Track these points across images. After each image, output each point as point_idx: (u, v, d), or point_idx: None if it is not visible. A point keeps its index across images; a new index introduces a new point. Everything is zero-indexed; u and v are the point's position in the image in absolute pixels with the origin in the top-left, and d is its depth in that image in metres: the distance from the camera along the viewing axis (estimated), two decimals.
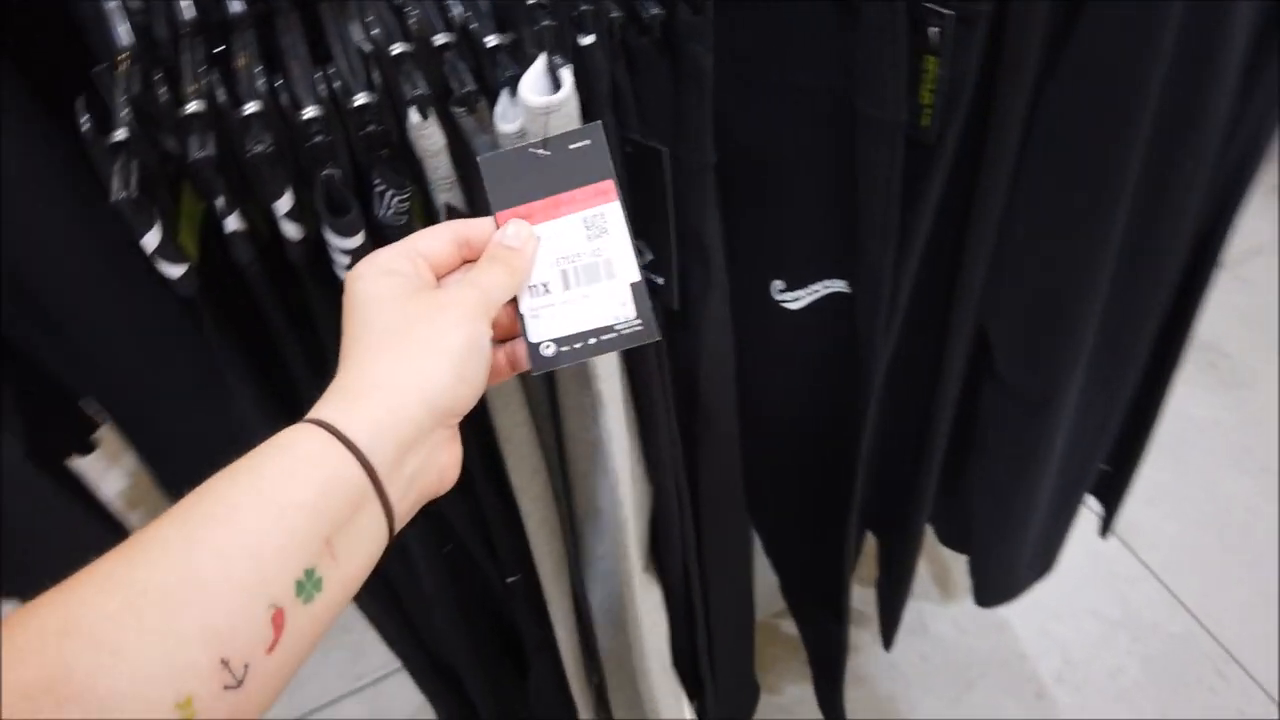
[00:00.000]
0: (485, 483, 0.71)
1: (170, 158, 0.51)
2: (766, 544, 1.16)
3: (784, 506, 1.05)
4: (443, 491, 0.47)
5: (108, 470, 1.65)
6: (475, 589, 0.86)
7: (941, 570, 1.65)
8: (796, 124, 0.70)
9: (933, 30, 0.65)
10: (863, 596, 1.55)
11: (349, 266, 0.52)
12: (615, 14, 0.55)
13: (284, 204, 0.51)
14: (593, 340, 0.51)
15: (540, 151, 0.50)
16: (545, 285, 0.51)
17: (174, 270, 0.52)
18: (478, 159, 0.49)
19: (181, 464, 1.08)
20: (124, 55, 0.53)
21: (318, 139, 0.50)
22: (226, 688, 0.34)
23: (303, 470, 0.39)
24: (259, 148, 0.48)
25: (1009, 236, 0.78)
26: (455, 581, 0.82)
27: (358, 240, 0.51)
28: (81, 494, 1.07)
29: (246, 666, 0.35)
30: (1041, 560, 1.28)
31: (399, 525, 0.43)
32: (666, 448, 0.77)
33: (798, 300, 0.81)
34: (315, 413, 0.41)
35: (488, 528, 0.76)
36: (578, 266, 0.51)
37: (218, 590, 0.35)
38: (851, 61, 0.64)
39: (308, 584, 0.37)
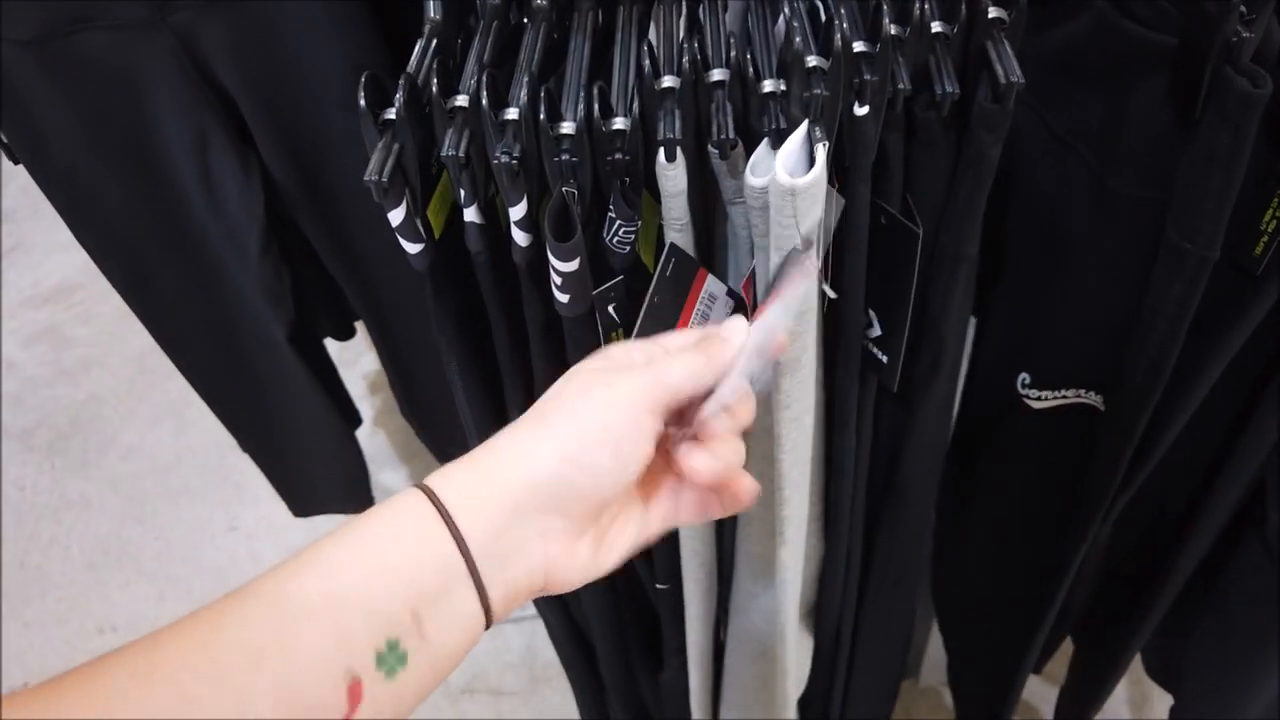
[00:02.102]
0: None
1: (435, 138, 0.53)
2: (943, 627, 1.09)
3: (973, 601, 0.98)
4: (551, 591, 0.43)
5: (364, 352, 1.80)
6: (628, 581, 0.86)
7: (1140, 695, 1.49)
8: (1095, 223, 0.63)
9: None
10: (1043, 694, 1.44)
11: (560, 286, 0.53)
12: (903, 85, 0.50)
13: (518, 212, 0.51)
14: None
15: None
16: None
17: (411, 247, 0.54)
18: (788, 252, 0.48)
19: (422, 389, 1.17)
20: (430, 26, 0.55)
21: (565, 156, 0.49)
22: None
23: (399, 535, 0.38)
24: (504, 157, 0.48)
25: None
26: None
27: (574, 265, 0.51)
28: (326, 377, 1.18)
29: None
30: None
31: (497, 611, 0.40)
32: (845, 518, 0.73)
33: (1042, 401, 0.74)
34: (436, 475, 0.40)
35: None
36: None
37: (295, 651, 0.34)
38: (1173, 179, 0.56)
39: (389, 656, 0.36)
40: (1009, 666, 0.97)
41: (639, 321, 0.53)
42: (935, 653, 1.30)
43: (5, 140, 0.86)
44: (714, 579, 0.79)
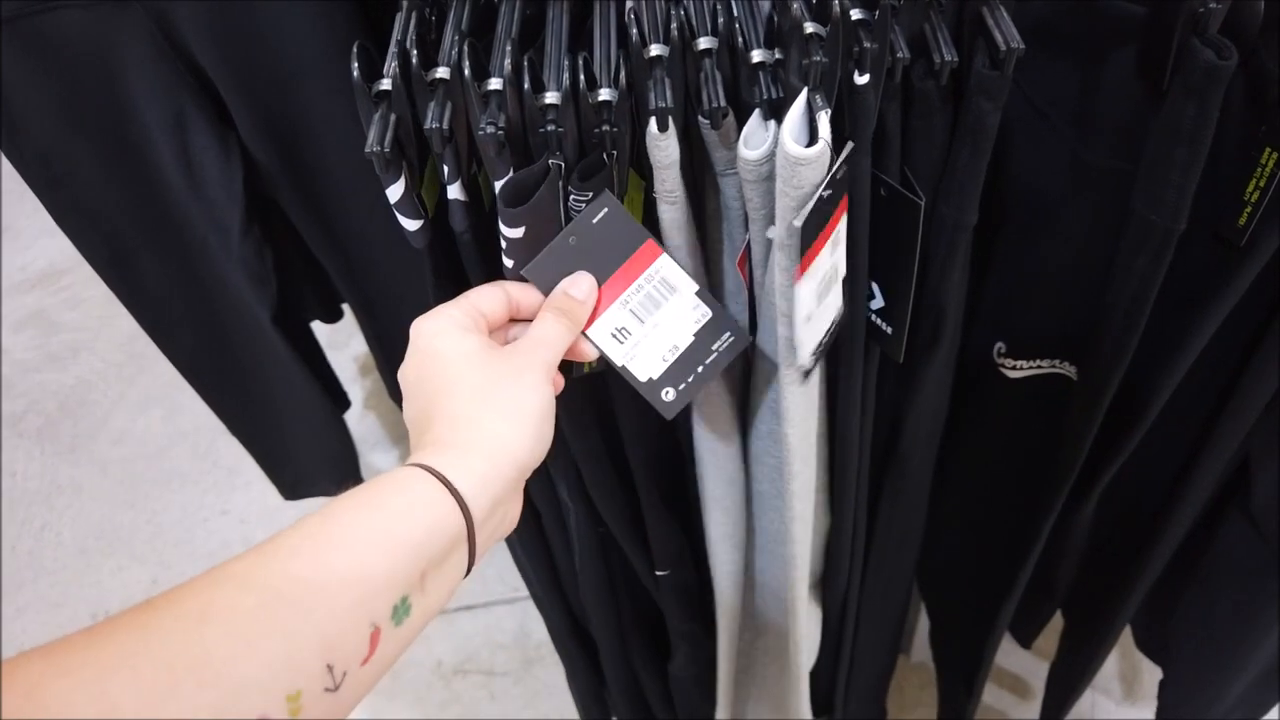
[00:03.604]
0: (649, 485, 0.70)
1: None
2: (924, 592, 1.09)
3: (951, 564, 0.98)
4: (505, 535, 0.52)
5: (354, 335, 1.78)
6: (626, 570, 0.86)
7: (1130, 668, 1.50)
8: (1067, 194, 0.62)
9: None
10: (1034, 668, 1.44)
11: (505, 250, 0.53)
12: (901, 54, 0.49)
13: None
14: (700, 369, 0.57)
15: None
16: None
17: (410, 224, 0.54)
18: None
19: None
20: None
21: (550, 127, 0.48)
22: (326, 690, 0.38)
23: (417, 511, 0.43)
24: (489, 129, 0.47)
25: None
26: (606, 559, 0.83)
27: (518, 232, 0.51)
28: (313, 359, 1.17)
29: (345, 674, 0.38)
30: (1250, 706, 1.13)
31: (475, 566, 0.47)
32: (851, 490, 0.72)
33: (1017, 370, 0.74)
34: (428, 459, 0.45)
35: (644, 525, 0.75)
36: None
37: (335, 605, 0.39)
38: (1141, 149, 0.55)
39: (401, 609, 0.41)
40: (981, 632, 0.97)
41: (537, 257, 0.53)
42: (926, 628, 1.30)
43: None
44: (743, 559, 0.79)
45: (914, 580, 1.03)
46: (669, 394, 0.57)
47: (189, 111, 0.85)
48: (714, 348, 0.57)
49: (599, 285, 0.54)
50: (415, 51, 0.49)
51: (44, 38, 0.79)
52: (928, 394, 0.69)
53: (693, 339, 0.57)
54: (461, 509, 0.44)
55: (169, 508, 1.76)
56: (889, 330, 0.63)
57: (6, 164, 0.88)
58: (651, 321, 0.56)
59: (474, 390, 0.49)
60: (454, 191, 0.52)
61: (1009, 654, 1.42)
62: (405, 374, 0.52)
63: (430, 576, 0.43)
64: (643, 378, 0.57)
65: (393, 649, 0.42)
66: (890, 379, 0.70)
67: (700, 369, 0.57)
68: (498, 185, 0.50)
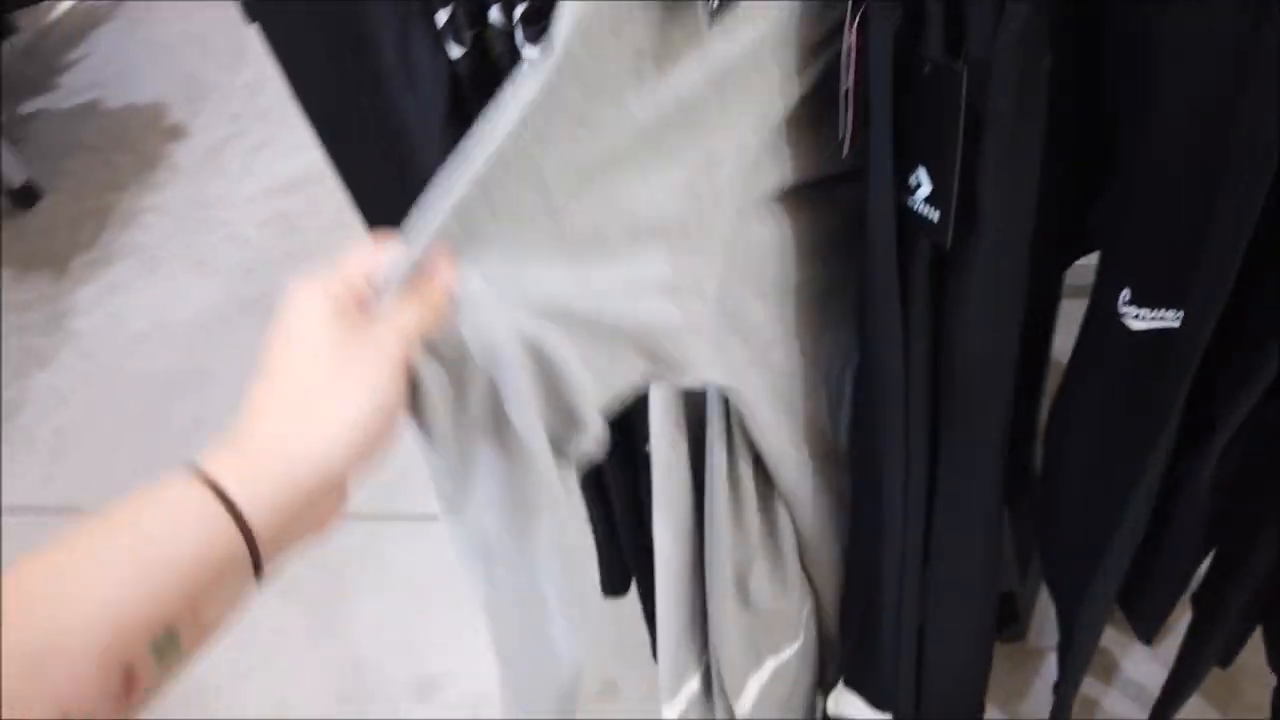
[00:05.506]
0: None
1: None
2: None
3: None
4: (322, 532, 0.45)
5: None
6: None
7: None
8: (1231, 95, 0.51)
9: None
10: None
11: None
12: None
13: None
14: None
15: None
16: None
17: (455, 51, 0.58)
18: None
19: None
20: None
21: None
22: None
23: (185, 533, 0.37)
24: None
25: None
26: None
27: None
28: None
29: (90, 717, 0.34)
30: None
31: (265, 580, 0.41)
32: (899, 438, 0.69)
33: (1140, 320, 0.65)
34: (212, 464, 0.39)
35: None
36: None
37: (74, 658, 0.34)
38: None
39: (164, 643, 0.36)
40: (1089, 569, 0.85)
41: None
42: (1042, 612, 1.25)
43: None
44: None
45: (999, 563, 0.89)
46: None
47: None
48: None
49: None
50: None
51: None
52: (971, 291, 0.62)
53: None
54: (244, 534, 0.38)
55: None
56: (936, 216, 0.58)
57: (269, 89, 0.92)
58: None
59: (299, 381, 0.42)
60: (441, 17, 0.57)
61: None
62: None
63: (203, 606, 0.37)
64: None
65: (161, 680, 0.37)
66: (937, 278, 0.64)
67: None
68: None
